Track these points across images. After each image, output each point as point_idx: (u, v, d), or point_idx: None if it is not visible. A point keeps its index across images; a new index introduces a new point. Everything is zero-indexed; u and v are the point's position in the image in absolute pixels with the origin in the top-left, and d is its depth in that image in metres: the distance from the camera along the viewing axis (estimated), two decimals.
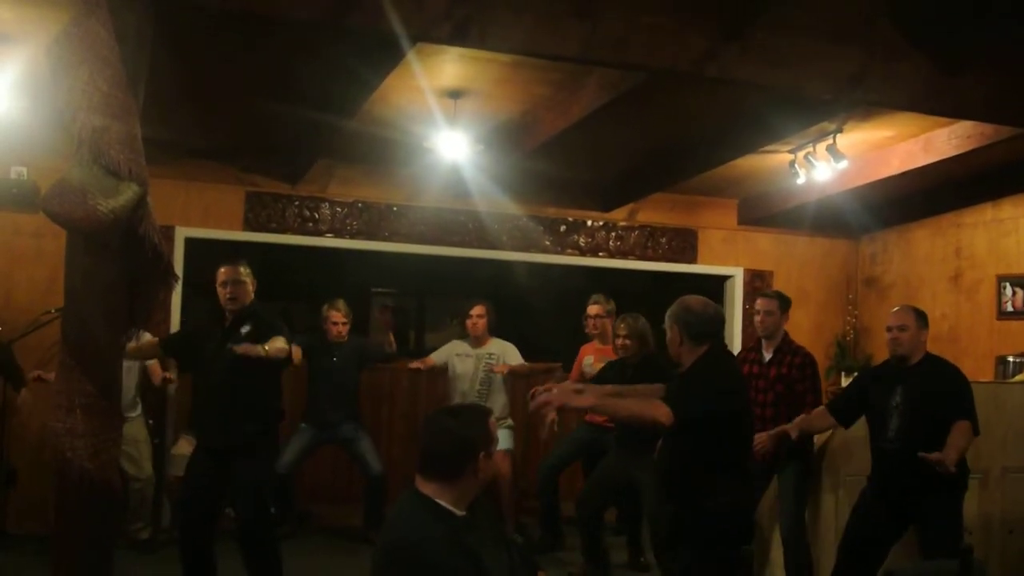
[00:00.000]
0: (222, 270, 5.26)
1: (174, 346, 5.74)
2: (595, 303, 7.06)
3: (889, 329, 4.93)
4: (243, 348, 4.92)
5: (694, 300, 4.13)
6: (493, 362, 7.04)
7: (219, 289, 5.25)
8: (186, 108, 6.01)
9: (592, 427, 6.76)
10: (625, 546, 6.67)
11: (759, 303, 5.85)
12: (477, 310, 7.10)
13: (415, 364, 7.33)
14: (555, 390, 3.99)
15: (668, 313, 4.11)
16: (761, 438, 5.24)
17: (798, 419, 5.26)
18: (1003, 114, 5.53)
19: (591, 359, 6.98)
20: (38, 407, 5.94)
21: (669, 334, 4.09)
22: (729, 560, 3.84)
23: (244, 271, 5.26)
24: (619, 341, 6.23)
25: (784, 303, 5.82)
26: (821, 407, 5.32)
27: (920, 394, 4.74)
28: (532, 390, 3.87)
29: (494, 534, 3.07)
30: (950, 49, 4.96)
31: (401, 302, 12.47)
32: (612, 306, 7.10)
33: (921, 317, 4.93)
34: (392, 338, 7.30)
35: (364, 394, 7.47)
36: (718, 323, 4.12)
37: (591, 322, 7.05)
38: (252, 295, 5.30)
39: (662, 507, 4.21)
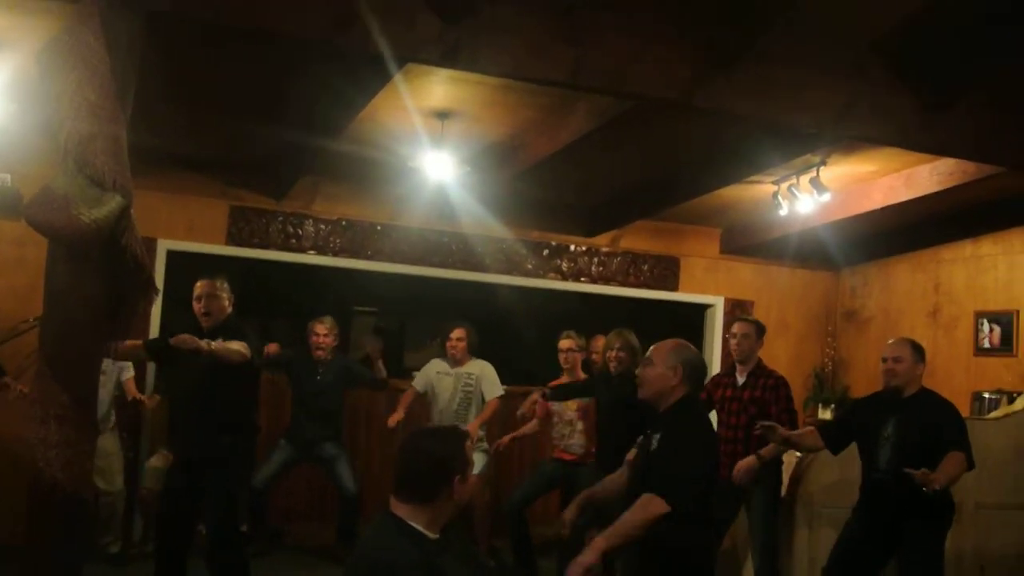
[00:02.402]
0: (198, 284, 5.24)
1: (156, 349, 5.66)
2: (567, 337, 6.99)
3: (884, 360, 4.93)
4: (177, 339, 4.81)
5: (693, 348, 4.08)
6: (472, 382, 7.04)
7: (194, 303, 5.22)
8: (173, 118, 6.00)
9: (561, 463, 6.74)
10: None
11: (736, 327, 5.91)
12: (457, 333, 7.10)
13: (394, 419, 6.91)
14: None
15: (669, 350, 3.95)
16: (742, 464, 5.31)
17: (788, 432, 5.19)
18: (988, 153, 5.59)
19: None
20: (8, 416, 5.86)
21: (661, 369, 3.92)
22: None
23: (220, 285, 5.23)
24: (612, 354, 6.26)
25: (760, 329, 5.89)
26: (811, 427, 5.32)
27: (913, 426, 4.75)
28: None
29: (466, 557, 3.05)
30: (938, 86, 5.01)
31: (383, 321, 12.42)
32: (583, 342, 7.10)
33: (917, 350, 4.94)
34: (383, 366, 7.22)
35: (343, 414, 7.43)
36: (705, 376, 4.19)
37: (563, 356, 6.99)
38: (228, 310, 5.26)
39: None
